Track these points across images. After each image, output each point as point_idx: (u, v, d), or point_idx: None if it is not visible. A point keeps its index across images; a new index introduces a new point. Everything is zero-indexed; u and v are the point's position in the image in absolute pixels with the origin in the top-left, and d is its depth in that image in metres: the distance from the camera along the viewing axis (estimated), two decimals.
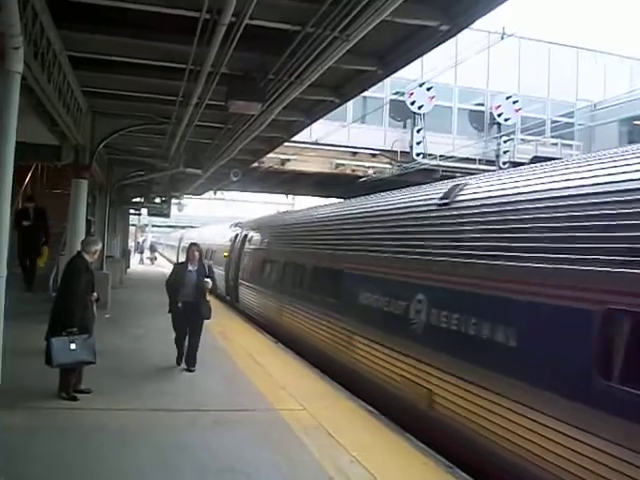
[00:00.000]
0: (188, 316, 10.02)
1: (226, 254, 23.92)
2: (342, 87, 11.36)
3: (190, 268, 10.24)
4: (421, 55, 9.20)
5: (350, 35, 7.42)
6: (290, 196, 51.23)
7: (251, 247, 20.09)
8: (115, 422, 7.18)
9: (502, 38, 18.20)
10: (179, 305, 10.00)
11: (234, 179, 20.90)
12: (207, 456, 6.33)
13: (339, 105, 12.18)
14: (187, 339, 10.16)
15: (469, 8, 7.60)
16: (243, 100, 9.20)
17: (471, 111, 30.66)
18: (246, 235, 21.19)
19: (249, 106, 9.45)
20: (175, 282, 10.23)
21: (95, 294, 8.46)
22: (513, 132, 29.70)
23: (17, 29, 4.69)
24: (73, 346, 7.71)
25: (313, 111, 13.19)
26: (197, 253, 10.41)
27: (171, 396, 8.48)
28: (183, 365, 10.13)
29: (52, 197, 17.99)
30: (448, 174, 25.45)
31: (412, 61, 9.48)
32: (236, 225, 25.28)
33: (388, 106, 28.25)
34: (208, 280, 10.10)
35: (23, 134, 5.25)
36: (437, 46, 8.68)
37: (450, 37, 8.34)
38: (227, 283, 22.84)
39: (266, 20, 7.65)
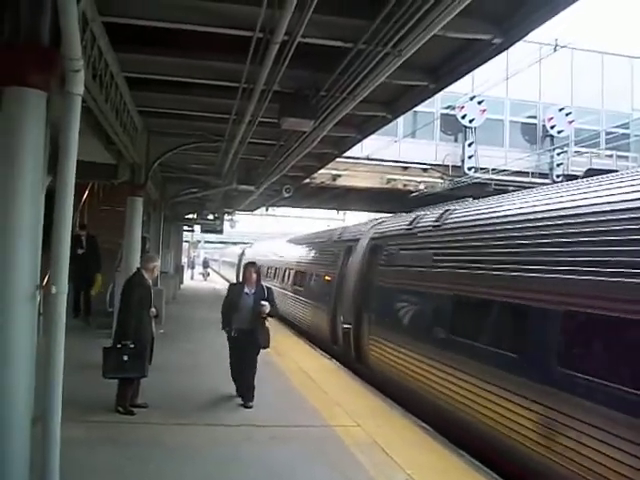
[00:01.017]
0: (242, 345, 9.15)
1: (328, 278, 16.16)
2: (394, 102, 11.36)
3: (247, 290, 9.31)
4: (474, 69, 9.12)
5: (402, 50, 7.42)
6: (341, 212, 51.49)
7: (395, 268, 11.49)
8: (171, 437, 7.30)
9: (555, 50, 17.98)
10: (233, 334, 9.20)
11: (286, 195, 21.02)
12: (262, 471, 6.38)
13: (391, 121, 12.18)
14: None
15: (521, 21, 7.53)
16: (295, 117, 9.28)
17: (523, 124, 30.42)
18: (378, 248, 12.74)
19: (301, 123, 9.52)
20: (229, 307, 9.36)
21: (154, 310, 8.67)
22: (567, 144, 29.26)
23: (78, 52, 4.83)
24: (125, 358, 7.95)
25: (365, 127, 13.22)
26: (255, 274, 9.44)
27: (226, 411, 8.56)
28: (239, 400, 9.18)
29: (108, 215, 18.36)
30: (501, 188, 25.37)
31: (464, 75, 9.40)
32: (343, 232, 17.12)
33: (439, 120, 28.18)
34: (265, 303, 9.09)
35: (81, 153, 5.37)
36: (489, 60, 8.59)
37: (502, 50, 8.25)
38: (334, 324, 14.76)
39: (318, 38, 7.68)
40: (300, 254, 21.87)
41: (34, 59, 4.86)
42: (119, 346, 8.11)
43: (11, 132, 4.88)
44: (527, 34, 7.83)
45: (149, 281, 8.72)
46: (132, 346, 8.08)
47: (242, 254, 47.09)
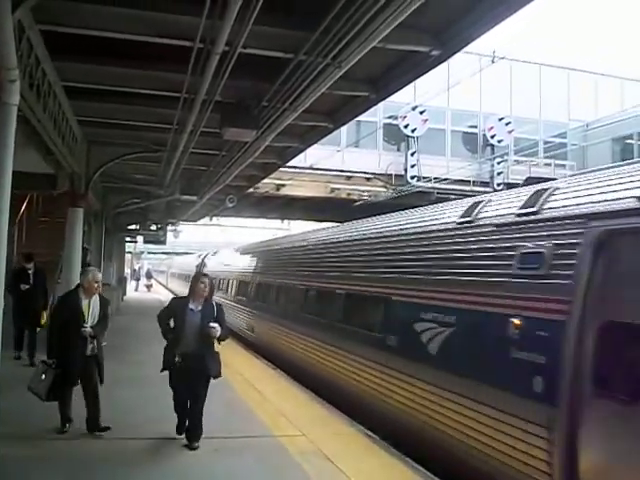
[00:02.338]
0: (188, 373, 7.51)
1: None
2: (335, 112, 11.49)
3: (192, 307, 7.67)
4: (413, 80, 9.34)
5: (342, 62, 7.52)
6: (285, 221, 51.41)
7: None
8: (115, 451, 7.17)
9: (493, 61, 18.37)
10: (177, 359, 7.51)
11: (230, 205, 20.96)
12: None
13: (333, 130, 12.30)
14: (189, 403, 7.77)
15: (459, 33, 7.71)
16: (237, 127, 9.30)
17: (464, 133, 31.04)
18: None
19: (243, 133, 9.55)
20: (171, 325, 7.78)
21: (88, 329, 7.61)
22: (506, 153, 29.88)
23: (14, 62, 4.75)
24: (43, 377, 7.72)
25: (307, 137, 13.33)
26: (208, 288, 7.77)
27: (171, 424, 8.45)
28: (184, 440, 7.64)
29: (47, 226, 17.95)
30: (443, 196, 25.68)
31: (405, 86, 9.59)
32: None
33: (382, 130, 28.44)
34: (215, 325, 7.47)
35: (19, 164, 5.28)
36: (429, 71, 8.81)
37: (441, 62, 8.45)
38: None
39: (259, 48, 7.73)
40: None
41: None
42: (41, 362, 7.92)
43: None
44: (464, 46, 8.06)
45: (83, 300, 7.80)
46: (53, 366, 7.68)
47: (202, 264, 44.24)
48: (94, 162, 13.34)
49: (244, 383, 11.61)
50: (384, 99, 10.22)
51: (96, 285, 7.96)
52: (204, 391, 7.66)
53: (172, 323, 7.80)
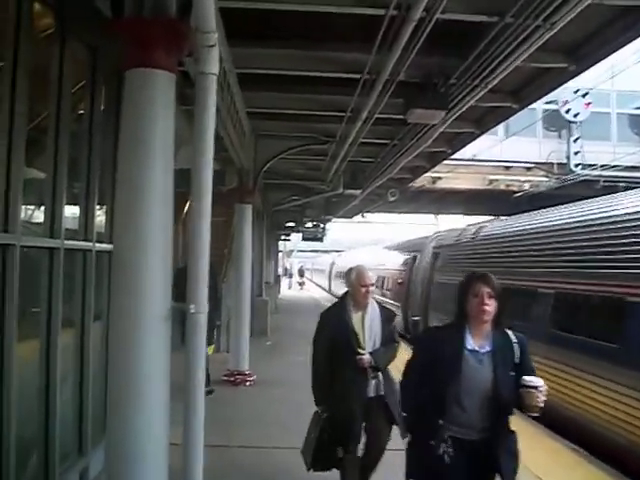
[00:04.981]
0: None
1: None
2: (522, 90, 10.23)
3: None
4: (626, 44, 8.01)
5: (555, 23, 6.44)
6: (432, 217, 50.22)
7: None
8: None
9: None
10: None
11: (391, 199, 20.12)
12: None
13: (517, 111, 11.02)
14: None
15: None
16: (424, 108, 8.39)
17: (631, 115, 28.55)
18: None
19: (431, 114, 8.61)
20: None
21: (366, 356, 5.47)
22: None
23: (212, 24, 4.13)
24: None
25: (484, 120, 12.11)
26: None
27: None
28: None
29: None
30: (610, 185, 24.12)
31: (613, 52, 8.30)
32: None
33: (541, 116, 26.79)
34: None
35: (183, 160, 4.75)
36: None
37: None
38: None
39: (460, 13, 6.80)
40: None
41: (161, 35, 4.16)
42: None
43: (135, 122, 4.23)
44: None
45: (352, 314, 5.64)
46: (323, 416, 5.63)
47: (333, 263, 47.18)
48: (261, 157, 12.95)
49: None
50: (584, 71, 8.89)
51: (364, 290, 5.57)
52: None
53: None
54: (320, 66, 8.71)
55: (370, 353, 5.41)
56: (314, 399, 5.72)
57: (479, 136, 13.14)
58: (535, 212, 14.28)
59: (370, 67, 8.06)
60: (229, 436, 7.84)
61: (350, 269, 5.80)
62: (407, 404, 4.23)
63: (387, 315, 5.77)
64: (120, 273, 4.38)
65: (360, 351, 5.38)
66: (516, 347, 3.93)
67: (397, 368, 6.98)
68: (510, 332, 4.00)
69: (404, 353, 5.00)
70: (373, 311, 5.62)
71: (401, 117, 10.17)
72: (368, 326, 5.53)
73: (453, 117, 9.86)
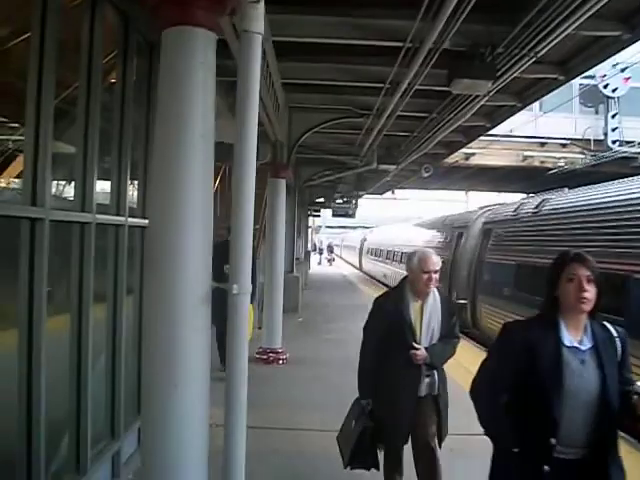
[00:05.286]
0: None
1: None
2: (570, 60, 9.69)
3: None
4: None
5: None
6: (463, 195, 49.68)
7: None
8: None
9: None
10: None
11: (425, 175, 19.59)
12: None
13: (564, 83, 10.48)
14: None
15: None
16: (471, 78, 7.96)
17: None
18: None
19: (478, 85, 8.13)
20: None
21: (422, 351, 4.87)
22: None
23: None
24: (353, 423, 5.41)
25: (527, 93, 11.56)
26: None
27: None
28: None
29: None
30: None
31: None
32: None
33: (577, 91, 26.10)
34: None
35: (218, 134, 4.44)
36: None
37: None
38: None
39: None
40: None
41: None
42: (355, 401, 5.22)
43: (174, 86, 3.94)
44: None
45: (411, 303, 4.99)
46: (367, 410, 5.01)
47: (364, 239, 46.43)
48: (295, 130, 12.61)
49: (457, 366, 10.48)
50: None
51: (426, 277, 4.86)
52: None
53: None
54: (360, 34, 8.25)
55: (426, 348, 4.83)
56: (359, 391, 5.09)
57: (520, 109, 12.59)
58: (617, 181, 12.50)
59: (413, 35, 7.64)
60: (264, 417, 7.62)
61: (412, 253, 5.14)
62: (486, 418, 3.44)
63: (449, 307, 5.16)
64: (156, 250, 4.12)
65: (415, 345, 4.80)
66: (618, 342, 3.27)
67: (465, 368, 6.69)
68: (609, 325, 3.34)
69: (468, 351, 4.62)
70: (434, 302, 4.97)
71: (442, 89, 9.84)
72: (427, 318, 4.90)
73: (497, 88, 9.43)
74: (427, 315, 4.90)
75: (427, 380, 4.91)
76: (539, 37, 7.44)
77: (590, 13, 6.74)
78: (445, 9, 6.56)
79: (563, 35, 7.37)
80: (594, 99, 27.25)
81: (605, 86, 26.38)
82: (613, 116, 26.80)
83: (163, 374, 4.02)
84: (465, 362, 8.78)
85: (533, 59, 8.09)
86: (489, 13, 7.60)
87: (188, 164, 3.94)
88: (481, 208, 19.78)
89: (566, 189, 14.54)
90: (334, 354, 11.68)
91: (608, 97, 26.87)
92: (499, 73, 8.45)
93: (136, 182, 6.46)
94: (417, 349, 4.78)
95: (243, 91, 4.11)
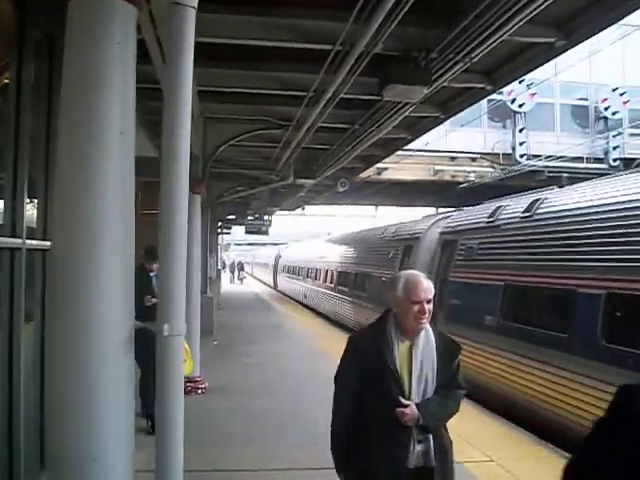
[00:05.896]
0: None
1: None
2: (498, 69, 9.36)
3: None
4: (624, 16, 7.29)
5: None
6: (372, 210, 49.91)
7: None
8: None
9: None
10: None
11: (341, 189, 19.15)
12: None
13: (490, 93, 10.23)
14: None
15: None
16: (405, 84, 7.44)
17: (574, 106, 28.74)
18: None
19: (412, 91, 7.61)
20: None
21: (411, 408, 3.51)
22: (621, 126, 27.38)
23: None
24: None
25: (450, 104, 11.19)
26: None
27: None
28: None
29: (150, 220, 16.70)
30: (555, 175, 24.44)
31: (607, 27, 7.61)
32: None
33: (486, 106, 26.54)
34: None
35: None
36: None
37: None
38: None
39: None
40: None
41: None
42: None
43: (83, 72, 3.16)
44: None
45: (395, 345, 3.72)
46: None
47: (279, 256, 44.75)
48: (211, 142, 11.81)
49: None
50: (575, 45, 8.07)
51: (416, 309, 3.55)
52: None
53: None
54: (285, 36, 7.59)
55: (417, 405, 3.53)
56: (334, 464, 3.76)
57: (443, 121, 12.32)
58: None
59: (344, 37, 7.08)
60: (189, 459, 6.74)
61: (394, 277, 3.81)
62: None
63: (448, 348, 3.76)
64: (61, 281, 3.21)
65: (403, 401, 3.52)
66: None
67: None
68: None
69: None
70: (427, 342, 3.66)
71: (368, 98, 9.45)
72: (418, 364, 3.61)
73: (427, 95, 8.97)
74: (418, 360, 3.62)
75: (419, 447, 3.58)
76: (475, 42, 7.08)
77: (528, 18, 6.47)
78: (381, 10, 6.11)
79: (499, 40, 7.05)
80: (502, 114, 27.76)
81: (512, 101, 26.86)
82: (520, 130, 27.36)
83: (75, 445, 3.11)
84: None
85: (467, 64, 7.73)
86: (424, 16, 7.13)
87: (103, 169, 3.10)
88: (429, 216, 17.99)
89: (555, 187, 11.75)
90: (254, 380, 11.24)
91: (515, 112, 27.39)
92: (433, 78, 8.01)
93: (35, 200, 5.50)
94: (405, 406, 3.52)
95: (175, 80, 3.28)
